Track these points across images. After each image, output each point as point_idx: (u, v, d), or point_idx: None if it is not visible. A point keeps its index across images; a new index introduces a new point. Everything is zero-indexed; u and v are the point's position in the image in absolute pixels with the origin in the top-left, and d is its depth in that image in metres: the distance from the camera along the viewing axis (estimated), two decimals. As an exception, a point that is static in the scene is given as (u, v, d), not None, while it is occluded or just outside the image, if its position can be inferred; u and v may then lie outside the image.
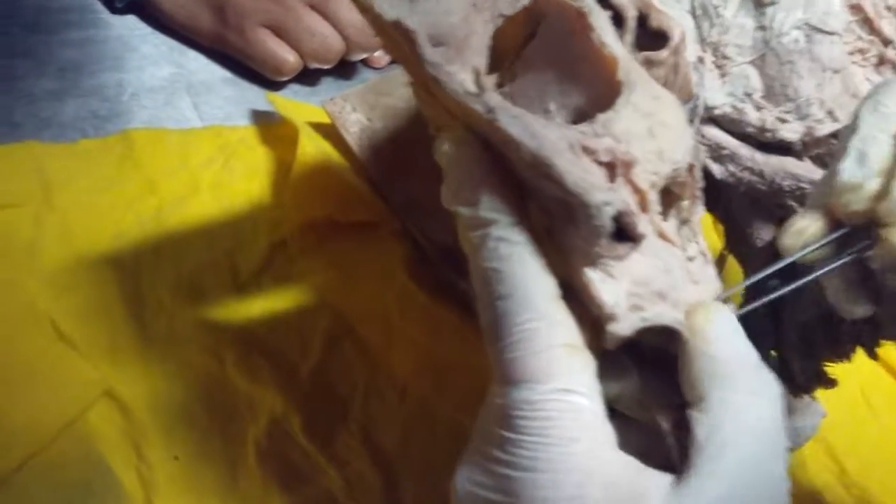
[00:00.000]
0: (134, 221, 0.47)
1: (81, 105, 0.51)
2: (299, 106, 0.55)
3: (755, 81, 0.38)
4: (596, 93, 0.29)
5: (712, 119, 0.39)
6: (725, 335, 0.27)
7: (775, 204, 0.38)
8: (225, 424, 0.43)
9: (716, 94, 0.38)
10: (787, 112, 0.38)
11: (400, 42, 0.27)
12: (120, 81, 0.53)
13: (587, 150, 0.27)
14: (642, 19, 0.32)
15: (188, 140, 0.51)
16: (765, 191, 0.38)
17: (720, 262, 0.43)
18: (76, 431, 0.40)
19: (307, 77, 0.56)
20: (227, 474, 0.42)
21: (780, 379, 0.27)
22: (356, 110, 0.52)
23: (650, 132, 0.28)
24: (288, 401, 0.44)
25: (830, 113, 0.37)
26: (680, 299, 0.28)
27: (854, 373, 0.42)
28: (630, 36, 0.31)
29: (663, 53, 0.31)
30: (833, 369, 0.38)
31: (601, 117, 0.27)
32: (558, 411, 0.25)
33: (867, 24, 0.38)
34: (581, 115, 0.30)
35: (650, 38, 0.32)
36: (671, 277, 0.29)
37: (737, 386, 0.26)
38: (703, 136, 0.38)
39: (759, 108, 0.38)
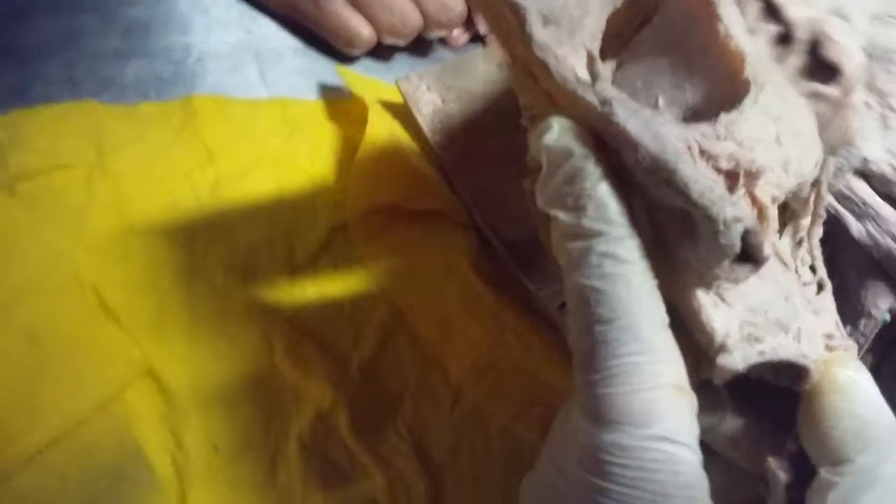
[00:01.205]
0: (189, 192, 0.45)
1: (145, 66, 0.49)
2: (371, 82, 0.52)
3: None
4: (715, 89, 0.26)
5: (861, 172, 0.35)
6: (872, 395, 0.24)
7: (907, 277, 0.35)
8: (269, 415, 0.41)
9: (872, 147, 0.34)
10: None
11: (504, 18, 0.24)
12: (187, 45, 0.51)
13: (706, 155, 0.24)
14: (814, 46, 0.29)
15: (252, 111, 0.49)
16: (901, 262, 0.34)
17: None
18: (112, 412, 0.38)
19: (381, 52, 0.53)
20: (267, 469, 0.39)
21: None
22: (431, 90, 0.48)
23: (777, 140, 0.25)
24: (336, 395, 0.42)
25: None
26: (802, 331, 0.25)
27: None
28: (799, 60, 0.28)
29: (832, 89, 0.28)
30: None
31: (724, 118, 0.24)
32: (654, 461, 0.21)
33: None
34: (693, 114, 0.26)
35: (818, 68, 0.29)
36: (791, 305, 0.26)
37: (890, 457, 0.22)
38: (851, 189, 0.34)
39: (916, 173, 0.34)
